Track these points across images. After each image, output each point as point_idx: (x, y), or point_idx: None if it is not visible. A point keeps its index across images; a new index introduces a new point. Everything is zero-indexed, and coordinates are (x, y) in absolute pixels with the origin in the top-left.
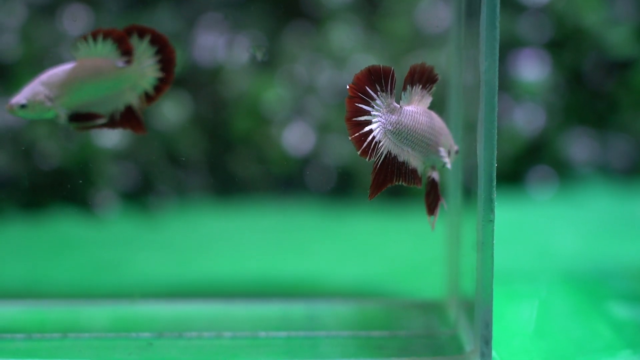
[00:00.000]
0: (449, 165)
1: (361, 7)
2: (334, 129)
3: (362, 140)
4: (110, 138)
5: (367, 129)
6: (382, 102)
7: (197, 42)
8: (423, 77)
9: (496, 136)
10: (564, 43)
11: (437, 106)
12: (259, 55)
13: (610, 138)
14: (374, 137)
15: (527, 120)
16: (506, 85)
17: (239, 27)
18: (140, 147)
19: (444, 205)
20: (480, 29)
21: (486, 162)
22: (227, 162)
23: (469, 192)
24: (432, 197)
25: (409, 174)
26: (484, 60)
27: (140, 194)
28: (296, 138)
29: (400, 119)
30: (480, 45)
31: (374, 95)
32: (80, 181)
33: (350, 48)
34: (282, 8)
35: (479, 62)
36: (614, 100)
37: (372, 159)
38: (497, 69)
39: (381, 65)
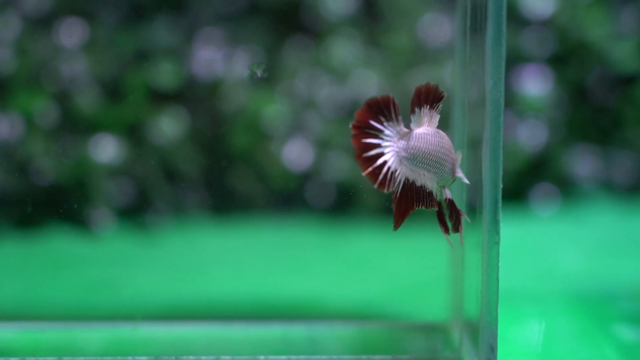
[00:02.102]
0: (465, 180)
1: (362, 21)
2: (334, 144)
3: (377, 174)
4: (107, 154)
5: (380, 161)
6: (392, 131)
7: (195, 56)
8: (429, 97)
9: (502, 156)
10: (567, 58)
11: (441, 122)
12: (259, 73)
13: (613, 154)
14: (389, 168)
15: (530, 136)
16: (509, 100)
17: (238, 41)
18: (137, 163)
19: (466, 219)
20: (486, 47)
21: (491, 182)
22: (225, 179)
23: (473, 210)
24: (455, 215)
25: (427, 197)
26: (489, 79)
27: (137, 211)
28: (296, 154)
29: (413, 143)
30: (486, 64)
31: (381, 127)
32: (76, 205)
33: (351, 63)
34: (282, 22)
35: (485, 79)
36: (618, 116)
37: (390, 189)
38: (503, 87)
39: (379, 96)
